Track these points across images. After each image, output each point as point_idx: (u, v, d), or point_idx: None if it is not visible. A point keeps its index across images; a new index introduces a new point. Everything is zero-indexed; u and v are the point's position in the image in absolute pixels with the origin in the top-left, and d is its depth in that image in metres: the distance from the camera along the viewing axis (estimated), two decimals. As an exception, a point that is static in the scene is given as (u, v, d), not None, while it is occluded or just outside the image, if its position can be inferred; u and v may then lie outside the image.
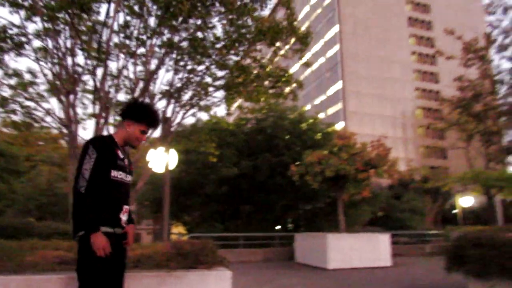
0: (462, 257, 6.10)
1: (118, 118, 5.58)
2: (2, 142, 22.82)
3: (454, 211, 30.94)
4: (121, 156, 2.64)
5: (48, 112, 5.53)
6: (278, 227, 19.86)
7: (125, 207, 2.63)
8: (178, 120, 6.34)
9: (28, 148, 29.74)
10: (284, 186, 17.06)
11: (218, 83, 6.21)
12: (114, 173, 2.54)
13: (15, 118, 6.09)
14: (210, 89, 6.19)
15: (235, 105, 7.00)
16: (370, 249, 11.87)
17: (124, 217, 2.62)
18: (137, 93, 5.40)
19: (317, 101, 54.87)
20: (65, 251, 5.00)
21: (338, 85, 51.10)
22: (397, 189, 26.67)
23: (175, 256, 3.83)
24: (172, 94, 5.93)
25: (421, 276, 9.55)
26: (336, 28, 51.91)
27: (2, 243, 3.99)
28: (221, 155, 15.13)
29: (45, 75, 5.21)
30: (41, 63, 5.30)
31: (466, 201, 24.85)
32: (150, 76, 5.48)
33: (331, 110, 51.58)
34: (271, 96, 5.63)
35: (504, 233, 6.33)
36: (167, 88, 6.17)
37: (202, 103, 7.41)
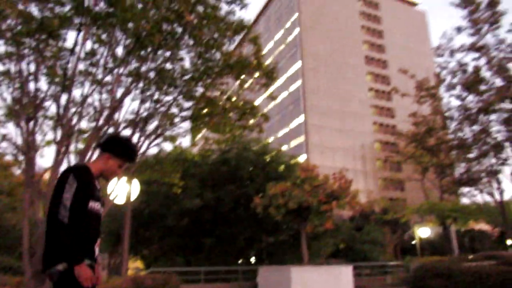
0: (422, 287, 6.28)
1: (81, 147, 5.43)
2: None
3: (412, 242, 31.86)
4: (98, 187, 2.56)
5: (4, 137, 5.27)
6: (241, 260, 19.48)
7: (99, 240, 2.54)
8: (142, 149, 6.21)
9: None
10: (247, 218, 16.91)
11: (184, 114, 6.21)
12: (91, 204, 2.45)
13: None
14: (176, 119, 6.18)
15: (200, 135, 6.95)
16: (333, 282, 11.90)
17: (97, 250, 2.51)
18: (101, 121, 5.28)
19: (280, 133, 55.87)
20: (14, 287, 4.68)
21: (301, 118, 52.53)
22: (358, 221, 27.21)
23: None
24: (137, 123, 5.85)
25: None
26: (298, 64, 53.95)
27: None
28: (184, 186, 14.82)
29: (4, 99, 4.99)
30: (1, 87, 5.08)
31: (423, 231, 25.72)
32: (115, 105, 5.41)
33: (294, 143, 52.63)
34: (237, 128, 5.68)
35: (459, 264, 6.61)
36: (132, 117, 6.08)
37: (167, 133, 7.36)
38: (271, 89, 8.15)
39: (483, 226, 32.16)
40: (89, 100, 5.84)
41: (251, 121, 6.67)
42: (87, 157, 5.18)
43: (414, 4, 67.45)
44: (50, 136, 6.06)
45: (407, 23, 63.44)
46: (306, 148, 50.09)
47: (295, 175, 15.36)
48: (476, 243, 31.27)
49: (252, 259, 20.37)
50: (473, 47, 14.81)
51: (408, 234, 32.44)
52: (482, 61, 14.78)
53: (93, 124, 5.73)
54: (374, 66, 59.16)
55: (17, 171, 33.32)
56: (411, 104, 20.81)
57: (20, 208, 22.40)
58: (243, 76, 5.51)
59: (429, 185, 28.99)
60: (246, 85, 6.17)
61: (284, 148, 21.64)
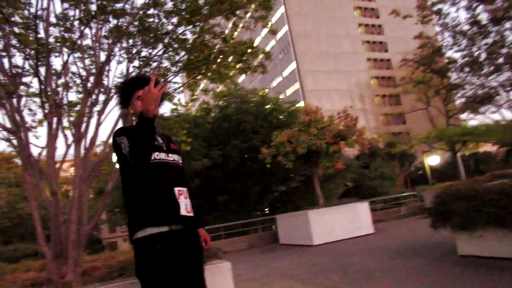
0: (446, 212, 6.11)
1: (73, 120, 5.06)
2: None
3: (419, 172, 32.19)
4: (157, 138, 2.24)
5: None
6: (256, 213, 19.70)
7: (179, 189, 2.12)
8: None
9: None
10: (257, 170, 16.83)
11: (177, 67, 5.70)
12: (153, 155, 2.09)
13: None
14: (170, 74, 5.68)
15: (199, 89, 6.48)
16: (352, 220, 11.94)
17: (182, 204, 2.10)
18: (89, 86, 4.82)
19: (274, 84, 54.92)
20: (37, 271, 4.51)
21: (293, 65, 51.35)
22: (365, 159, 27.27)
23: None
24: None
25: (407, 238, 9.68)
26: (282, 9, 51.90)
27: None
28: (190, 147, 14.60)
29: None
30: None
31: (433, 160, 25.73)
32: (100, 69, 4.93)
33: (289, 91, 51.83)
34: (239, 72, 5.20)
35: (480, 184, 6.40)
36: (121, 80, 5.61)
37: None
38: (258, 39, 7.54)
39: (487, 148, 32.24)
40: (73, 68, 5.38)
41: (254, 63, 6.10)
42: (83, 128, 4.78)
43: None
44: (40, 115, 5.63)
45: None
46: (303, 94, 49.41)
47: (298, 121, 15.02)
48: (481, 165, 31.46)
49: (267, 210, 20.62)
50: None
51: (415, 165, 32.69)
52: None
53: (81, 95, 5.29)
54: (360, 0, 56.87)
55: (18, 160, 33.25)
56: (404, 34, 19.92)
57: (24, 198, 22.48)
58: (237, 12, 4.93)
59: (434, 112, 28.57)
60: (241, 24, 5.61)
61: (281, 97, 21.09)
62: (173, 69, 5.83)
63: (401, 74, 34.62)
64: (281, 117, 17.81)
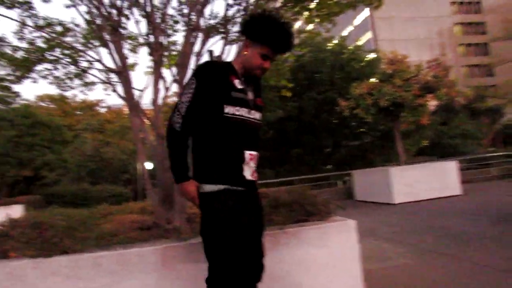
0: None
1: (177, 60, 4.85)
2: (44, 115, 23.18)
3: (506, 130, 29.09)
4: (239, 86, 1.90)
5: (90, 62, 4.79)
6: (329, 166, 19.36)
7: (250, 153, 1.89)
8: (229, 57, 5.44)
9: (68, 119, 30.36)
10: (331, 124, 16.26)
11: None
12: (228, 108, 1.84)
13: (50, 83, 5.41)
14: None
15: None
16: (437, 179, 11.11)
17: (248, 168, 1.89)
18: (193, 19, 4.46)
19: (344, 34, 51.84)
20: (139, 214, 4.61)
21: (365, 12, 47.66)
22: (442, 114, 25.07)
23: (275, 209, 3.25)
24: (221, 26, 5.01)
25: (500, 201, 8.78)
26: None
27: (74, 213, 3.56)
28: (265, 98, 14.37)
29: (88, 19, 4.40)
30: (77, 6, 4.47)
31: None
32: (204, 3, 4.51)
33: (360, 42, 48.63)
34: (345, 6, 4.53)
35: None
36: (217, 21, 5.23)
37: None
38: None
39: None
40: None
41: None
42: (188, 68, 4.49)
43: None
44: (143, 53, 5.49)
45: None
46: (375, 44, 46.14)
47: (381, 70, 13.92)
48: None
49: (339, 165, 20.16)
50: None
51: (502, 122, 29.45)
52: None
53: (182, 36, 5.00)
54: None
55: (102, 109, 35.71)
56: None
57: (110, 143, 24.24)
58: None
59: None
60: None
61: (360, 44, 19.63)
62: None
63: (493, 19, 30.60)
64: (360, 65, 16.62)
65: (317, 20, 4.72)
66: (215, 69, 1.88)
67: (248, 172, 1.88)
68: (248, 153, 1.88)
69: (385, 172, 11.08)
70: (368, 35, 47.55)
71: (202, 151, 1.87)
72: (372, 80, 12.95)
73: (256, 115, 1.96)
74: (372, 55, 18.11)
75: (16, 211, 9.12)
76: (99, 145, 22.86)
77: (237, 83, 1.89)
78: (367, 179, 12.18)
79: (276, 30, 1.86)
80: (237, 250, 1.75)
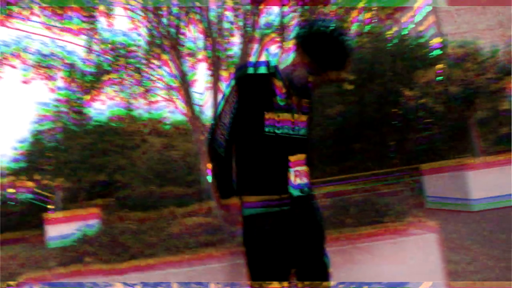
0: None
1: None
2: (113, 122, 24.75)
3: None
4: (282, 95, 1.70)
5: (153, 80, 4.95)
6: (395, 161, 18.38)
7: (296, 171, 1.69)
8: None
9: (134, 125, 32.18)
10: (395, 116, 15.40)
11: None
12: (269, 115, 1.66)
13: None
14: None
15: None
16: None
17: (294, 182, 1.68)
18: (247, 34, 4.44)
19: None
20: (203, 216, 4.66)
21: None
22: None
23: (344, 209, 3.05)
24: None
25: None
26: None
27: (144, 216, 3.66)
28: (320, 94, 14.04)
29: (150, 35, 4.55)
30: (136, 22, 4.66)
31: None
32: (258, 14, 4.48)
33: (417, 17, 44.79)
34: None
35: None
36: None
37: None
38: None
39: None
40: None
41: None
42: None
43: None
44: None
45: None
46: (436, 17, 41.84)
47: (449, 54, 12.87)
48: None
49: (406, 159, 19.07)
50: None
51: None
52: None
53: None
54: None
55: (166, 114, 37.45)
56: None
57: (173, 146, 25.30)
58: None
59: None
60: None
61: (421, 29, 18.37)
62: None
63: None
64: (424, 51, 15.47)
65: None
66: (255, 79, 1.69)
67: (297, 191, 1.70)
68: (293, 171, 1.69)
69: (460, 170, 9.89)
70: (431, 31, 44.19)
71: (244, 163, 1.73)
72: (439, 66, 12.01)
73: (301, 118, 1.75)
74: (437, 39, 16.85)
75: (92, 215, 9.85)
76: (165, 148, 23.89)
77: (279, 91, 1.70)
78: (439, 176, 11.20)
79: (326, 47, 1.57)
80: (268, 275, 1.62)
